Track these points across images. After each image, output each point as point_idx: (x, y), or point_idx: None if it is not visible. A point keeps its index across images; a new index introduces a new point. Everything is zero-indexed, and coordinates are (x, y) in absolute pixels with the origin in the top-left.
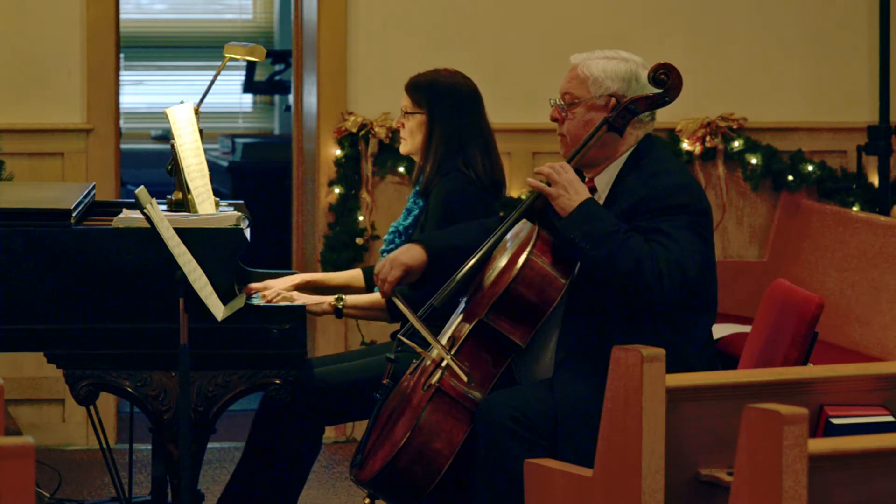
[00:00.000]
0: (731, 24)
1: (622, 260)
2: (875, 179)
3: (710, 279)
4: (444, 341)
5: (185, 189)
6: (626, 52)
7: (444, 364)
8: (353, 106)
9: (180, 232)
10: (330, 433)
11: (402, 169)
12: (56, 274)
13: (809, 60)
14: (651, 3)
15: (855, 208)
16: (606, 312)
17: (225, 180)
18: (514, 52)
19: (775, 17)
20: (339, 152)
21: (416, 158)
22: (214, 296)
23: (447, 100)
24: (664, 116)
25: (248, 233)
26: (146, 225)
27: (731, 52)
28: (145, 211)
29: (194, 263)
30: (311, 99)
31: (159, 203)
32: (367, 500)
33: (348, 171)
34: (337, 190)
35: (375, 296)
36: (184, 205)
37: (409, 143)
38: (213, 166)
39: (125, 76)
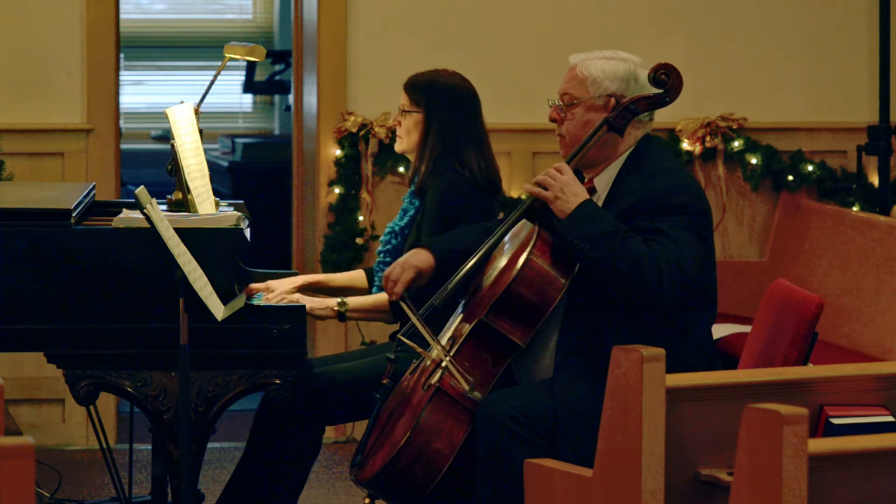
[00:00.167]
0: (731, 24)
1: (621, 260)
2: (875, 179)
3: (709, 279)
4: (444, 341)
5: (185, 189)
6: (625, 53)
7: (443, 365)
8: (353, 106)
9: (180, 232)
10: (330, 433)
11: (401, 169)
12: (56, 274)
13: (809, 60)
14: (651, 3)
15: (855, 208)
16: (606, 312)
17: (225, 180)
18: (514, 52)
19: (775, 17)
20: (339, 152)
21: (411, 157)
22: (214, 296)
23: (445, 100)
24: (664, 116)
25: (248, 233)
26: (146, 225)
27: (731, 52)
28: (145, 211)
29: (194, 263)
30: (311, 99)
31: (159, 203)
32: (367, 500)
33: (348, 171)
34: (337, 190)
35: (378, 298)
36: (184, 205)
37: (405, 142)
38: (213, 166)
39: (125, 76)
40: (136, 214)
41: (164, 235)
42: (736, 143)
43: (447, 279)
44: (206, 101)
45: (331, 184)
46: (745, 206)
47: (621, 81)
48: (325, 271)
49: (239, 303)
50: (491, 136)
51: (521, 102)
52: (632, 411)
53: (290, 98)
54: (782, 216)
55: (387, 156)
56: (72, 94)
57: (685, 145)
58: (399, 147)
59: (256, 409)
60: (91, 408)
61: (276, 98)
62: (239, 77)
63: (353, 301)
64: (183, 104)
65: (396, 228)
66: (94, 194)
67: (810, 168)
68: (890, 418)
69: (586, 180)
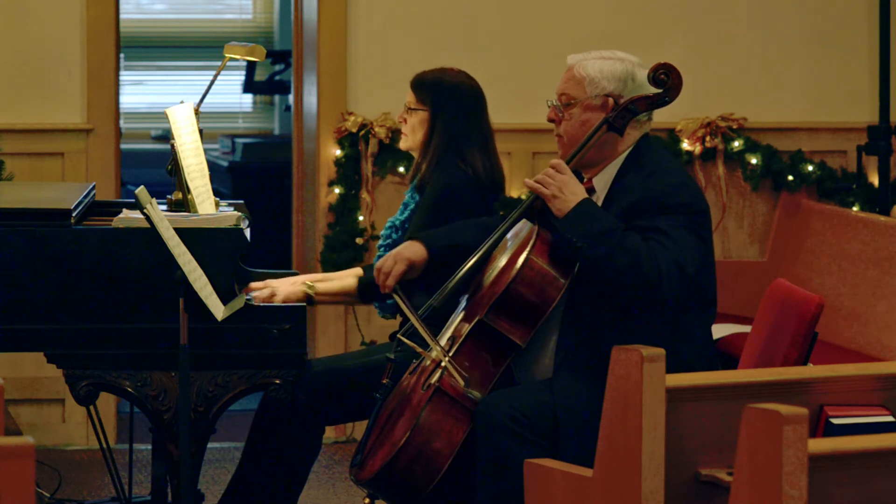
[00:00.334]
0: (731, 24)
1: (620, 258)
2: (875, 179)
3: (709, 279)
4: (444, 341)
5: (185, 189)
6: (623, 52)
7: (443, 365)
8: (353, 106)
9: (180, 232)
10: (330, 433)
11: (402, 169)
12: (56, 274)
13: (809, 60)
14: (651, 4)
15: (855, 208)
16: (606, 312)
17: (225, 180)
18: (514, 52)
19: (775, 17)
20: (339, 152)
21: (415, 155)
22: (214, 296)
23: (451, 99)
24: (664, 116)
25: (248, 233)
26: (146, 225)
27: (731, 52)
28: (145, 211)
29: (194, 263)
30: (311, 99)
31: (159, 203)
32: (367, 500)
33: (348, 171)
34: (337, 190)
35: (346, 282)
36: (184, 205)
37: (410, 139)
38: (213, 166)
39: (125, 76)
40: (136, 214)
41: (164, 235)
42: (736, 143)
43: (439, 273)
44: (206, 101)
45: (331, 184)
46: (745, 206)
47: (619, 81)
48: (325, 271)
49: (239, 303)
50: None
51: (521, 102)
52: (632, 411)
53: (290, 98)
54: (782, 216)
55: (387, 156)
56: (72, 94)
57: (685, 145)
58: (404, 144)
59: (256, 409)
60: (91, 408)
61: (276, 98)
62: (239, 77)
63: (322, 285)
64: (183, 104)
65: (397, 223)
66: (94, 194)
67: (810, 168)
68: (890, 418)
69: (585, 180)
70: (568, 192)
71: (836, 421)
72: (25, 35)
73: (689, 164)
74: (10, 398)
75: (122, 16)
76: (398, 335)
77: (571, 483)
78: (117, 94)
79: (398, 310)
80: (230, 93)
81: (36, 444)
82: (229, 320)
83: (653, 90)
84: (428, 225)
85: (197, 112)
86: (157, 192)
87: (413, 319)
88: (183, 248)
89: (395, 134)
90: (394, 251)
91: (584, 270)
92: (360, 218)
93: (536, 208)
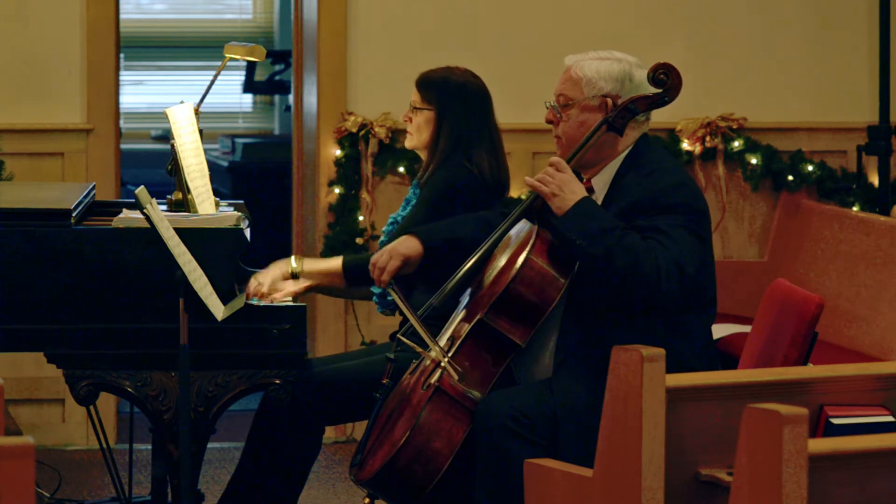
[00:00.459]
0: (731, 24)
1: (620, 257)
2: (875, 179)
3: (708, 279)
4: (443, 341)
5: (185, 189)
6: (620, 53)
7: (442, 365)
8: (353, 106)
9: (180, 232)
10: (330, 433)
11: (402, 169)
12: (56, 274)
13: (809, 60)
14: (650, 3)
15: (855, 208)
16: (606, 312)
17: (225, 180)
18: (514, 52)
19: (775, 17)
20: (339, 152)
21: (423, 155)
22: (214, 296)
23: (457, 98)
24: (664, 116)
25: (248, 233)
26: (146, 225)
27: (731, 52)
28: (145, 211)
29: (194, 263)
30: (311, 99)
31: (159, 203)
32: (367, 500)
33: (348, 171)
34: (337, 190)
35: (332, 262)
36: (184, 205)
37: (416, 139)
38: (213, 166)
39: (125, 76)
40: (136, 214)
41: (164, 235)
42: (736, 143)
43: (437, 268)
44: (206, 101)
45: (331, 184)
46: (745, 206)
47: (616, 81)
48: None
49: (239, 303)
50: None
51: (521, 102)
52: (632, 411)
53: (290, 98)
54: (782, 216)
55: (387, 156)
56: (72, 94)
57: (685, 145)
58: (409, 143)
59: (256, 409)
60: (91, 408)
61: (276, 98)
62: (239, 77)
63: (309, 262)
64: (183, 104)
65: (399, 219)
66: (94, 194)
67: (810, 168)
68: (890, 418)
69: (584, 181)
70: (567, 191)
71: (836, 421)
72: (25, 35)
73: (689, 164)
74: (10, 398)
75: (122, 16)
76: (398, 335)
77: (571, 483)
78: (117, 94)
79: (397, 306)
80: (230, 93)
81: (36, 444)
82: (229, 320)
83: (651, 90)
84: (426, 220)
85: (197, 112)
86: (157, 192)
87: (409, 315)
88: (183, 248)
89: (396, 134)
90: (388, 246)
91: (584, 269)
92: (360, 218)
93: (536, 207)
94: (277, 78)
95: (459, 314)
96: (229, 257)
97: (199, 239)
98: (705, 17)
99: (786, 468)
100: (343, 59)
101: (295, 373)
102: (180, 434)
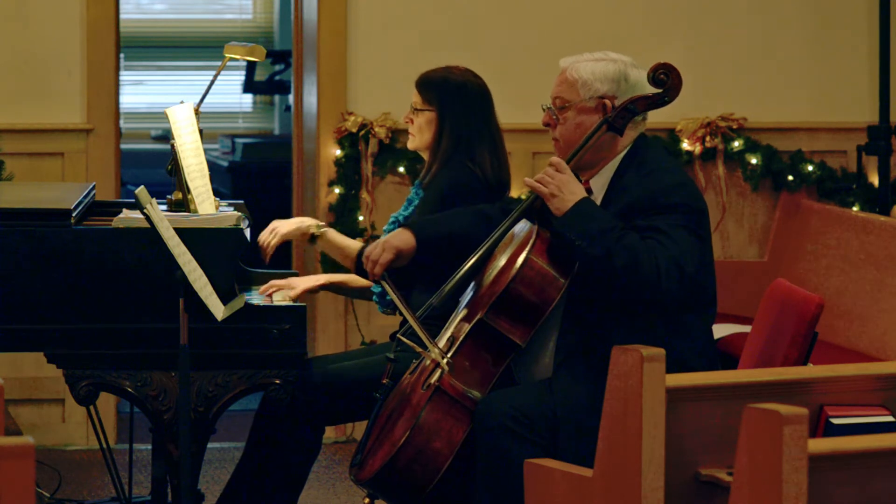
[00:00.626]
0: (731, 24)
1: (619, 257)
2: (875, 179)
3: (708, 279)
4: (443, 341)
5: (185, 189)
6: (615, 53)
7: (443, 363)
8: (353, 106)
9: (180, 232)
10: (330, 433)
11: (402, 169)
12: (56, 274)
13: (809, 60)
14: (651, 4)
15: (855, 208)
16: (606, 312)
17: (225, 180)
18: (514, 53)
19: (775, 17)
20: (339, 152)
21: (424, 155)
22: (214, 296)
23: (458, 98)
24: (664, 116)
25: (248, 233)
26: (146, 225)
27: (731, 52)
28: (145, 211)
29: (194, 263)
30: (311, 99)
31: (159, 203)
32: (367, 500)
33: (348, 171)
34: (337, 190)
35: (352, 243)
36: (184, 205)
37: (417, 140)
38: (213, 166)
39: (125, 76)
40: (136, 214)
41: (164, 235)
42: (736, 143)
43: (429, 261)
44: (206, 101)
45: (331, 184)
46: (745, 206)
47: (612, 82)
48: (325, 271)
49: (239, 303)
50: None
51: (521, 102)
52: (632, 411)
53: (290, 98)
54: (782, 216)
55: (387, 156)
56: (72, 94)
57: (685, 145)
58: (411, 144)
59: (256, 409)
60: (91, 408)
61: (276, 98)
62: (239, 77)
63: (331, 233)
64: (183, 104)
65: (400, 218)
66: (94, 194)
67: (810, 168)
68: (890, 418)
69: (583, 182)
70: (567, 191)
71: (836, 421)
72: (25, 35)
73: (688, 164)
74: (10, 398)
75: (122, 16)
76: (398, 335)
77: (571, 483)
78: (117, 94)
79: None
80: (230, 93)
81: (36, 444)
82: (229, 320)
83: (648, 88)
84: None
85: (197, 112)
86: (157, 192)
87: (402, 308)
88: (183, 248)
89: (396, 134)
90: (382, 239)
91: (583, 269)
92: (360, 218)
93: (536, 208)
94: (277, 78)
95: (459, 314)
96: (229, 257)
97: (199, 239)
98: (705, 17)
99: (786, 468)
100: (343, 59)
101: (295, 373)
102: (180, 434)
